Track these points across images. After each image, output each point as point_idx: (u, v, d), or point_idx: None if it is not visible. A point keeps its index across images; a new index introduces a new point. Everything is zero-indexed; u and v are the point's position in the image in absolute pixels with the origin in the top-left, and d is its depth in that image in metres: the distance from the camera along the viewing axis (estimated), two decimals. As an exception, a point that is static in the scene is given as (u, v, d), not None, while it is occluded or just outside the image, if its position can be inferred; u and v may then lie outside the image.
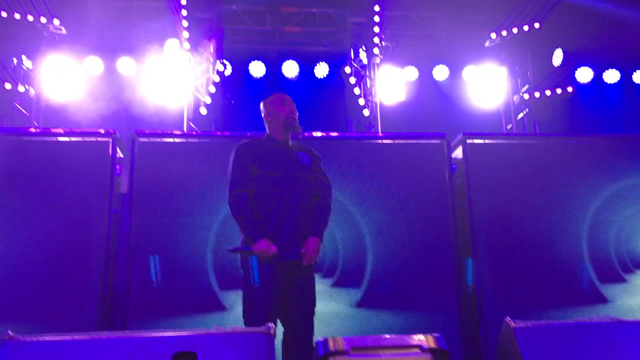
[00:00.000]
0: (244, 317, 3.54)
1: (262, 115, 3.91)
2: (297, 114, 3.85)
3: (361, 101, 8.41)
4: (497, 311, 5.00)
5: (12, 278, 4.79)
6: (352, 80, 8.48)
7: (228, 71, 8.74)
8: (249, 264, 3.51)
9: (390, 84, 8.87)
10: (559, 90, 8.58)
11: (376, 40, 8.55)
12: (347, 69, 8.58)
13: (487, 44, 8.85)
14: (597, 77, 9.08)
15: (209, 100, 8.22)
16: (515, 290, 5.11)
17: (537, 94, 8.59)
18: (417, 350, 2.33)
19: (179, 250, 5.00)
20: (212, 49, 8.61)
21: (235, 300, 4.89)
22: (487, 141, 5.51)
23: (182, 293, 4.92)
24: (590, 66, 9.00)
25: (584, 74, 9.00)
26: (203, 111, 8.17)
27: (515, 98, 8.89)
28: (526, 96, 8.72)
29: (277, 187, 3.63)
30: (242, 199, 3.62)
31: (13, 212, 4.93)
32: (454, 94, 9.13)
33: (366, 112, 8.41)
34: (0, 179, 4.98)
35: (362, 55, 8.92)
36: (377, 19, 8.56)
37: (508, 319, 2.41)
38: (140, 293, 4.87)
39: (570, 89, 8.56)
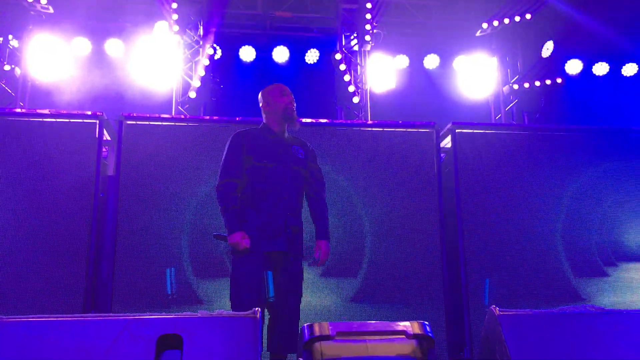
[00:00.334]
0: (231, 303, 3.55)
1: (260, 105, 3.91)
2: (295, 104, 3.86)
3: (351, 88, 8.37)
4: (482, 300, 5.05)
5: (-4, 259, 4.75)
6: (342, 67, 8.43)
7: (218, 55, 8.67)
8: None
9: (380, 72, 8.84)
10: (548, 82, 8.61)
11: (368, 27, 8.50)
12: (338, 56, 8.53)
13: (478, 33, 8.83)
14: (587, 70, 9.11)
15: (198, 84, 8.15)
16: (501, 279, 5.15)
17: (526, 85, 8.61)
18: (402, 336, 2.34)
19: (165, 234, 4.98)
20: (201, 31, 8.52)
21: (219, 287, 4.89)
22: (476, 131, 5.53)
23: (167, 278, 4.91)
24: (580, 58, 9.03)
25: (573, 66, 9.03)
26: (192, 95, 8.10)
27: (505, 89, 8.90)
28: (515, 87, 8.74)
29: (270, 178, 3.65)
30: (229, 188, 3.63)
31: (-3, 193, 4.87)
32: (444, 83, 9.13)
33: (356, 99, 8.38)
34: (-15, 159, 4.92)
35: (353, 42, 8.87)
36: (369, 5, 8.52)
37: (493, 306, 2.42)
38: (125, 277, 4.86)
39: (559, 80, 8.58)
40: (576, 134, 5.62)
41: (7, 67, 7.66)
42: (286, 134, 3.86)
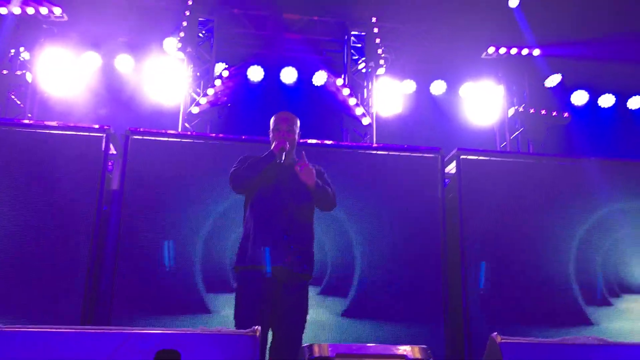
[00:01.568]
0: (234, 321, 3.55)
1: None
2: (296, 134, 3.87)
3: (359, 110, 8.40)
4: (482, 326, 5.00)
5: (-3, 269, 4.74)
6: (346, 91, 8.46)
7: (225, 73, 8.72)
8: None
9: (387, 96, 8.87)
10: (554, 113, 8.64)
11: (379, 51, 8.57)
12: (339, 81, 8.56)
13: (483, 55, 8.87)
14: (593, 101, 9.14)
15: (204, 101, 8.19)
16: (502, 306, 5.11)
17: (531, 110, 8.63)
18: (403, 360, 2.32)
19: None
20: (210, 49, 8.60)
21: (220, 304, 4.86)
22: (480, 157, 5.54)
23: (168, 293, 4.89)
24: (586, 89, 9.06)
25: (579, 97, 9.05)
26: (195, 110, 8.13)
27: (511, 111, 8.91)
28: (521, 109, 8.75)
29: (271, 197, 3.69)
30: (239, 170, 3.76)
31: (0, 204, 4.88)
32: (451, 109, 9.15)
33: (366, 121, 8.39)
34: (-10, 169, 4.94)
35: (361, 65, 8.94)
36: (375, 30, 8.61)
37: (495, 334, 2.40)
38: (125, 291, 4.84)
39: (566, 115, 8.61)
40: (581, 164, 5.63)
41: (18, 73, 7.70)
42: (292, 157, 3.89)
